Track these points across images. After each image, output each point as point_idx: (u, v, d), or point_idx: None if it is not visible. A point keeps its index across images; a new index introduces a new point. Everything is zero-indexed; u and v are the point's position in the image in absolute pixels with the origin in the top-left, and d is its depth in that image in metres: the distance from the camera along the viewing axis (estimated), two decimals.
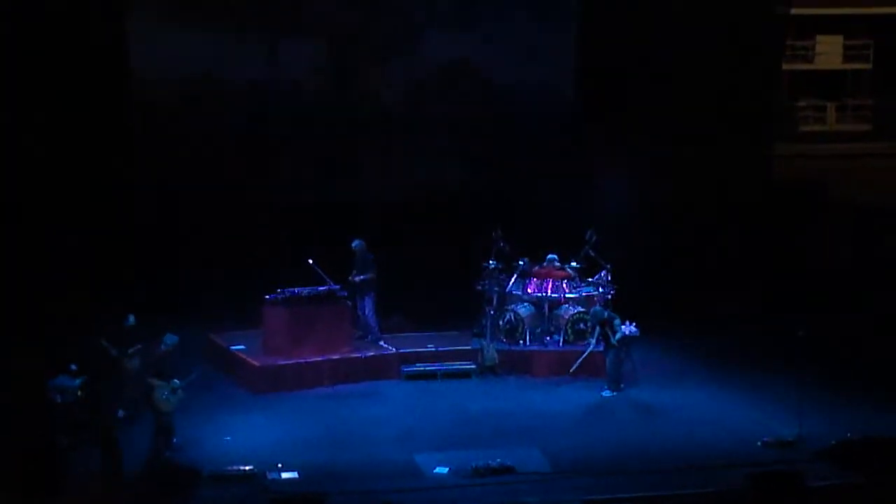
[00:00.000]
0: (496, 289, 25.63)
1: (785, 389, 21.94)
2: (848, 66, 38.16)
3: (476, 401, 23.21)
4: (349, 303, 24.79)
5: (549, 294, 25.48)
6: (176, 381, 19.96)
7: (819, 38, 37.61)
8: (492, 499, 18.56)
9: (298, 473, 19.22)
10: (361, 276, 24.77)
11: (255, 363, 23.95)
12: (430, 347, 25.07)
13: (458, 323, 26.21)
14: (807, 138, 37.06)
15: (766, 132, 34.33)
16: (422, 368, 24.57)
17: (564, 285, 25.50)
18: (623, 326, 23.45)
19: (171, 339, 20.62)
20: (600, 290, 25.48)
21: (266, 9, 32.11)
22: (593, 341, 24.03)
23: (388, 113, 32.67)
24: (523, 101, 32.59)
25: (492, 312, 25.37)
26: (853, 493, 18.75)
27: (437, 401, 23.24)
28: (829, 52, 37.74)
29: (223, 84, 31.62)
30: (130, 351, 21.71)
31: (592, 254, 25.70)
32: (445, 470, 19.54)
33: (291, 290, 24.26)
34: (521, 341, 25.18)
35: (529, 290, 25.66)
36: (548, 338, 25.26)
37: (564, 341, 24.99)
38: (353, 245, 24.88)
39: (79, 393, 20.24)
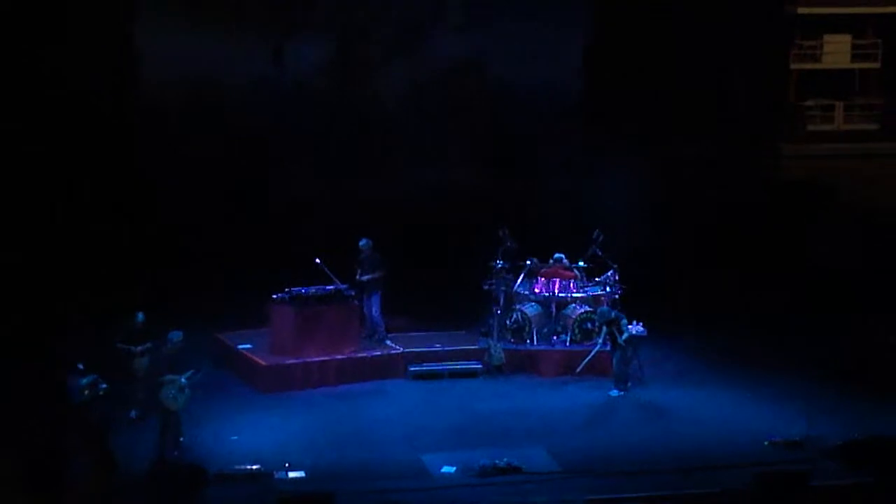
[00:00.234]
0: (503, 288, 25.61)
1: (791, 389, 21.89)
2: (856, 66, 38.11)
3: (483, 400, 23.19)
4: (356, 302, 24.79)
5: (556, 293, 25.46)
6: (183, 379, 19.98)
7: (827, 37, 37.57)
8: (498, 498, 18.55)
9: (305, 472, 19.23)
10: (368, 276, 24.76)
11: (262, 362, 23.95)
12: (437, 347, 25.05)
13: (464, 322, 26.20)
14: (815, 138, 37.01)
15: (774, 132, 34.30)
16: (428, 368, 24.55)
17: (572, 285, 25.49)
18: (630, 326, 23.44)
19: (175, 335, 20.53)
20: (607, 289, 25.46)
21: (272, 9, 32.17)
22: (600, 341, 24.02)
23: (393, 112, 32.67)
24: (529, 100, 32.58)
25: (499, 312, 25.36)
26: (860, 493, 18.73)
27: (444, 400, 23.22)
28: (837, 52, 37.69)
29: (227, 84, 31.65)
30: (141, 349, 21.72)
31: (599, 253, 25.67)
32: (452, 469, 19.54)
33: (298, 289, 24.24)
34: (528, 341, 25.15)
35: (536, 290, 25.63)
36: (555, 337, 25.23)
37: (571, 341, 24.96)
38: (360, 244, 24.85)
39: (86, 392, 20.23)
